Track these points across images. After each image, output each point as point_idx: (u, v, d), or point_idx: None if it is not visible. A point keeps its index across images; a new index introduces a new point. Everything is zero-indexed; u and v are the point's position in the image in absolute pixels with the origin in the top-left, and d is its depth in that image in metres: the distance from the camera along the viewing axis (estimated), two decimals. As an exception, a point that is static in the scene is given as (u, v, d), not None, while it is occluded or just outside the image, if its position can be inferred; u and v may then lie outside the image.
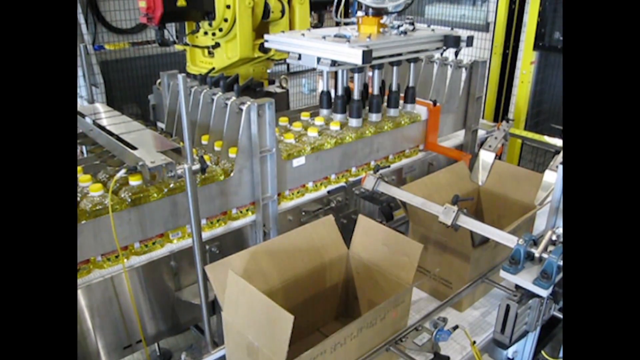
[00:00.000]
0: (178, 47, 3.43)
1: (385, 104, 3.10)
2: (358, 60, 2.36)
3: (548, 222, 2.01)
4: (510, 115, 4.56)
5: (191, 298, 2.26)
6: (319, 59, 2.52)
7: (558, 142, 3.41)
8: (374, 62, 2.52)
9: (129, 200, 2.06)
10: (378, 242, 2.02)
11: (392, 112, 3.08)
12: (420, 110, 3.28)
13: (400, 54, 2.78)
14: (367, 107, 3.00)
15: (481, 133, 3.67)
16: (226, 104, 2.48)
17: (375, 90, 2.95)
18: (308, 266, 2.03)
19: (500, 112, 4.65)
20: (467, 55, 4.88)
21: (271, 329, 1.54)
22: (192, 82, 2.93)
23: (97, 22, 5.55)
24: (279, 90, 3.58)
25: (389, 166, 2.77)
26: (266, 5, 3.16)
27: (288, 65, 9.61)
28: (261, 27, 3.27)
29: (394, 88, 3.03)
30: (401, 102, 3.18)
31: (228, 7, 3.00)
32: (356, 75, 2.79)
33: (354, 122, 2.83)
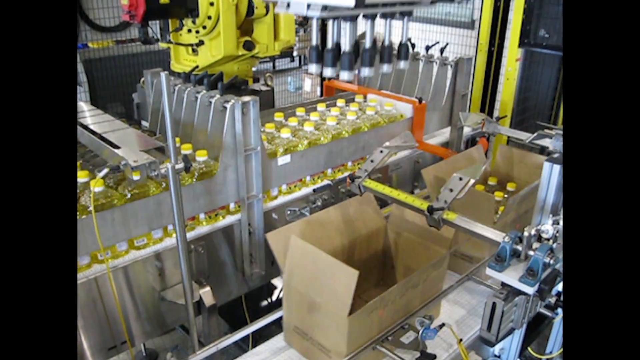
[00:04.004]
0: (162, 45, 3.39)
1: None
2: (350, 3, 1.97)
3: (534, 220, 2.02)
4: (496, 113, 4.58)
5: (176, 298, 2.24)
6: (309, 5, 2.15)
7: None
8: (367, 11, 2.21)
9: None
10: (415, 216, 2.14)
11: (386, 67, 2.54)
12: (405, 107, 3.28)
13: (394, 4, 2.32)
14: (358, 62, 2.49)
15: (467, 130, 3.67)
16: (210, 102, 2.45)
17: (367, 43, 2.49)
18: (350, 237, 2.17)
19: (486, 109, 4.66)
20: (452, 52, 4.89)
21: (334, 285, 1.67)
22: (176, 80, 2.89)
23: (80, 19, 5.48)
24: (264, 88, 3.55)
25: (360, 177, 2.66)
26: (250, 2, 3.12)
27: (274, 63, 9.61)
28: (245, 25, 3.24)
29: (386, 42, 2.56)
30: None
31: (212, 4, 2.95)
32: (348, 25, 2.31)
33: (345, 75, 2.37)
